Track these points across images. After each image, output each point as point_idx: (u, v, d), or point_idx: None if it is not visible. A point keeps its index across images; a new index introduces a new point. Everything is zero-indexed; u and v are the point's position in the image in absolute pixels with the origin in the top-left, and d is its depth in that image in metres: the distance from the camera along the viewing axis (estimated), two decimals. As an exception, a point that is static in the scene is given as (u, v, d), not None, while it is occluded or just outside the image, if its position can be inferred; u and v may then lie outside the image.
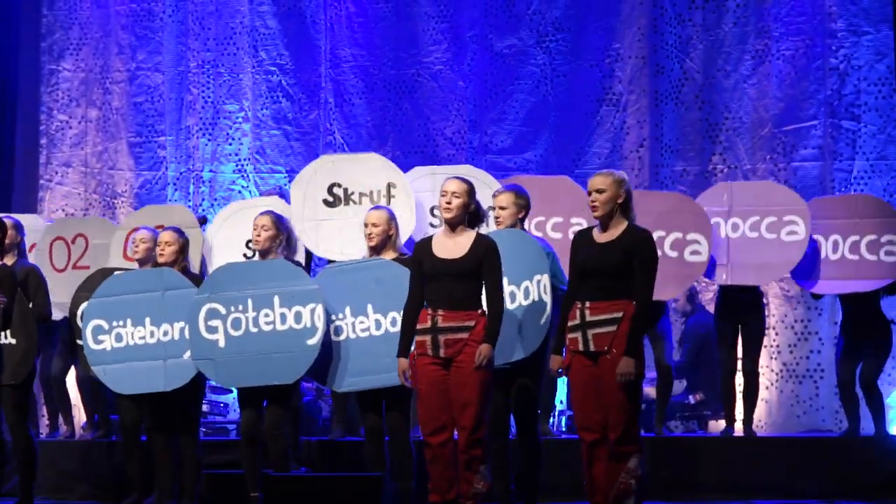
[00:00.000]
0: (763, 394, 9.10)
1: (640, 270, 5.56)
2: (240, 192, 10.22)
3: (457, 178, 5.94)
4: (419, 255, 5.86)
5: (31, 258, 8.01)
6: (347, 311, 6.55)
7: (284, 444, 6.60)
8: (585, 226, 6.60)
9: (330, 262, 7.50)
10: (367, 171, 8.03)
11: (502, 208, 6.44)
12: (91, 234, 8.42)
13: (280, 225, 6.88)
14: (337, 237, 7.89)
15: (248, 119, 10.30)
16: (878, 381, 7.89)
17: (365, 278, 6.54)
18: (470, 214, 5.87)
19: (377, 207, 6.98)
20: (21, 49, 10.51)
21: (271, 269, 6.67)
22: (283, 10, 10.33)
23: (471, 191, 5.86)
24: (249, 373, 6.55)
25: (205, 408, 9.61)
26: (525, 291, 6.24)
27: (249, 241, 7.90)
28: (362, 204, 7.89)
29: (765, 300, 8.54)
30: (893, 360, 8.62)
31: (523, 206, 6.46)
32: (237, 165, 10.31)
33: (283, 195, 8.51)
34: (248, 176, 10.23)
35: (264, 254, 6.84)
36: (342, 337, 6.56)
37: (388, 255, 6.70)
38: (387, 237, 6.75)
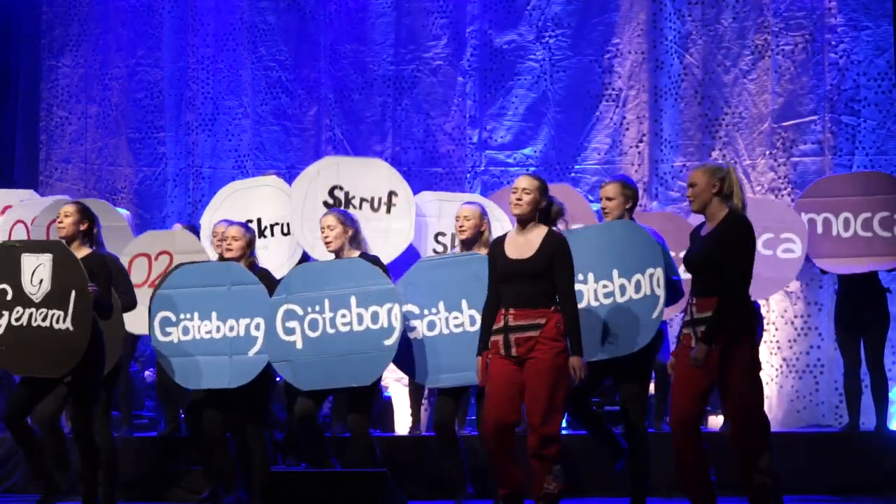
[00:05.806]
0: (763, 389, 9.10)
1: (728, 258, 5.34)
2: (239, 187, 10.22)
3: (528, 174, 5.88)
4: (493, 254, 5.78)
5: (31, 236, 7.95)
6: (441, 305, 6.46)
7: (371, 443, 6.51)
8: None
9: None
10: (371, 176, 8.03)
11: (609, 199, 6.30)
12: None
13: (347, 221, 6.76)
14: None
15: (248, 115, 10.30)
16: (884, 357, 7.87)
17: (462, 273, 6.41)
18: (541, 211, 5.75)
19: (470, 203, 6.85)
20: (21, 45, 10.50)
21: (348, 268, 6.56)
22: (283, 5, 10.33)
23: (542, 187, 5.74)
24: (327, 375, 6.45)
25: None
26: (636, 285, 6.11)
27: (248, 221, 7.87)
28: (362, 209, 7.87)
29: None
30: (893, 353, 8.64)
31: (630, 196, 6.32)
32: (237, 161, 10.30)
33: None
34: (247, 172, 10.21)
35: (338, 253, 6.74)
36: (435, 332, 6.47)
37: (480, 251, 6.55)
38: (478, 232, 6.66)
